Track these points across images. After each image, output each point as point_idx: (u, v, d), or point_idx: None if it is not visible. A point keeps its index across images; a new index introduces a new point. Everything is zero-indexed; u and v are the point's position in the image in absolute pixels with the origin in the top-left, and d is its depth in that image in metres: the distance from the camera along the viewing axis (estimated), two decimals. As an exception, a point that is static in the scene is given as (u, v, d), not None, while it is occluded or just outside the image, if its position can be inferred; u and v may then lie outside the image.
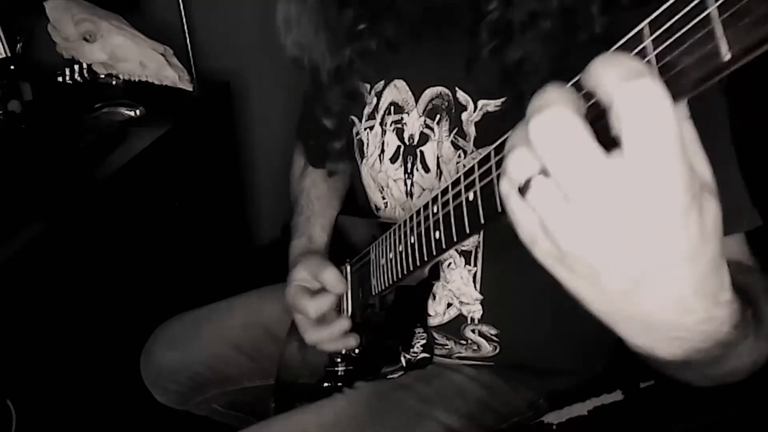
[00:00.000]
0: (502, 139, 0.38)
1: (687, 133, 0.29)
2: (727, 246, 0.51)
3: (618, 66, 0.26)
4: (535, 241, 0.32)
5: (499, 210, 0.39)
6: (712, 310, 0.32)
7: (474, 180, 0.42)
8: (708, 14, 0.25)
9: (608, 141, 0.28)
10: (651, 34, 0.28)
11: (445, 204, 0.48)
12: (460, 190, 0.45)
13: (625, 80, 0.26)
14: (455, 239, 0.48)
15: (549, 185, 0.29)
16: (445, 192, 0.48)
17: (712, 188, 0.29)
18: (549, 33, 0.54)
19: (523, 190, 0.30)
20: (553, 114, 0.28)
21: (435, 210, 0.50)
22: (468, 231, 0.45)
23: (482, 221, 0.42)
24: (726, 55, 0.25)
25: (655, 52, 0.28)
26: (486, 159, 0.40)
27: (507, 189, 0.32)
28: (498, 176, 0.38)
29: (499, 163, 0.38)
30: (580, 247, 0.29)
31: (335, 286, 0.76)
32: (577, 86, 0.31)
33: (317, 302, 0.75)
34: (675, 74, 0.27)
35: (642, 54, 0.28)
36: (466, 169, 0.44)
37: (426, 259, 0.54)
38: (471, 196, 0.43)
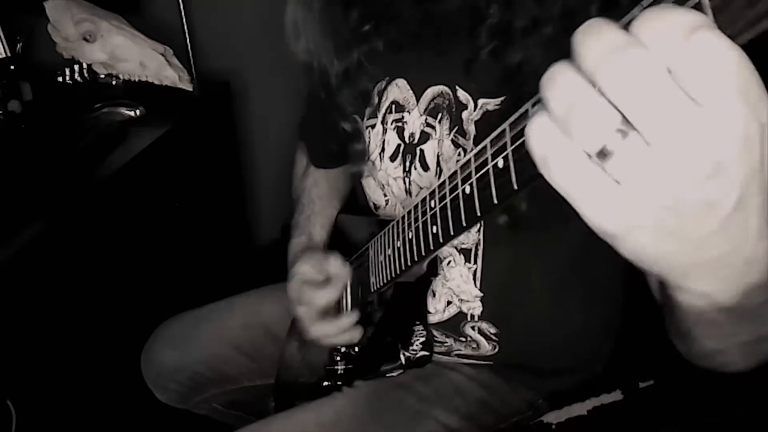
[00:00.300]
0: (498, 131, 0.38)
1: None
2: None
3: (672, 19, 0.24)
4: (613, 214, 0.28)
5: (495, 202, 0.39)
6: None
7: (470, 173, 0.42)
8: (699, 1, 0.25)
9: None
10: None
11: (442, 198, 0.48)
12: (457, 183, 0.45)
13: (682, 37, 0.24)
14: (452, 233, 0.48)
15: (637, 142, 0.26)
16: (442, 186, 0.48)
17: None
18: (550, 38, 0.55)
19: (602, 156, 0.27)
20: (640, 56, 0.25)
21: (432, 205, 0.50)
22: (464, 224, 0.45)
23: (478, 214, 0.42)
24: None
25: None
26: (482, 152, 0.40)
27: (575, 164, 0.27)
28: (494, 167, 0.38)
29: (495, 155, 0.38)
30: (676, 199, 0.27)
31: (342, 273, 0.76)
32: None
33: (325, 292, 0.75)
34: (729, 14, 0.25)
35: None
36: (462, 162, 0.44)
37: (423, 254, 0.54)
38: (467, 189, 0.43)
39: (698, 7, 0.25)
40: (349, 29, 0.69)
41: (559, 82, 0.27)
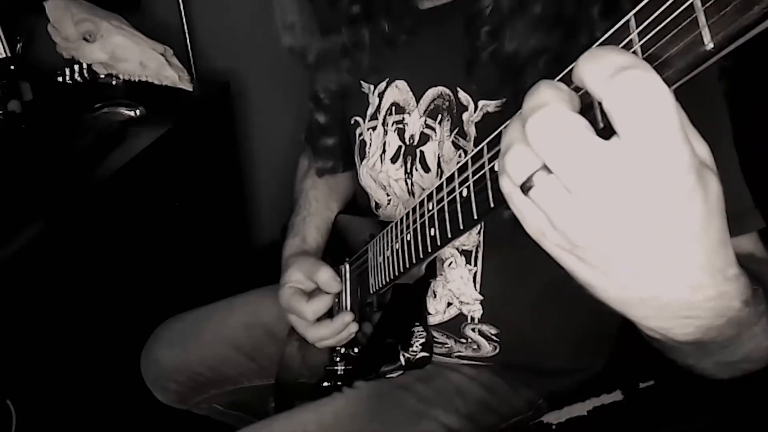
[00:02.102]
0: (495, 134, 0.38)
1: (683, 115, 0.28)
2: (740, 243, 0.51)
3: (602, 61, 0.27)
4: (543, 235, 0.32)
5: (492, 206, 0.39)
6: (721, 285, 0.32)
7: (467, 176, 0.42)
8: (692, 3, 0.26)
9: (606, 125, 0.28)
10: (637, 26, 0.28)
11: (440, 200, 0.48)
12: (454, 186, 0.45)
13: (610, 76, 0.26)
14: (449, 236, 0.47)
15: (552, 181, 0.29)
16: (439, 189, 0.48)
17: (712, 165, 0.29)
18: (540, 20, 0.54)
19: (525, 188, 0.30)
20: (550, 112, 0.28)
21: (430, 207, 0.50)
22: (462, 227, 0.45)
23: (475, 217, 0.42)
24: (709, 44, 0.25)
25: (641, 42, 0.28)
26: (479, 155, 0.40)
27: (509, 188, 0.32)
28: (491, 170, 0.38)
29: (492, 159, 0.38)
30: (589, 238, 0.29)
31: (330, 286, 0.75)
32: (567, 80, 0.31)
33: (314, 304, 0.75)
34: (660, 64, 0.27)
35: (628, 46, 0.29)
36: (460, 165, 0.44)
37: (422, 256, 0.54)
38: (464, 192, 0.43)
39: (690, 10, 0.26)
40: (337, 12, 0.69)
41: (510, 124, 0.32)
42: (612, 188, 0.27)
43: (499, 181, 0.33)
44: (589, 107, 0.30)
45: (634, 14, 0.29)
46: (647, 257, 0.29)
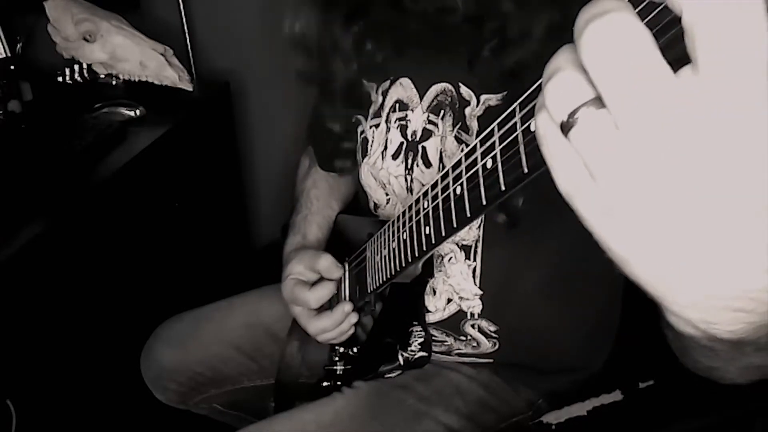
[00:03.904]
0: (487, 131, 0.37)
1: None
2: None
3: None
4: (578, 191, 0.26)
5: (484, 203, 0.39)
6: None
7: (460, 173, 0.42)
8: None
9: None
10: None
11: (434, 198, 0.48)
12: (448, 183, 0.44)
13: None
14: (443, 234, 0.47)
15: (604, 118, 0.23)
16: (434, 186, 0.48)
17: None
18: (551, 32, 0.55)
19: (566, 127, 0.25)
20: (617, 20, 0.22)
21: (425, 205, 0.50)
22: (455, 225, 0.45)
23: (468, 215, 0.42)
24: None
25: None
26: (472, 151, 0.40)
27: (545, 126, 0.26)
28: (483, 167, 0.38)
29: (484, 154, 0.38)
30: (641, 196, 0.24)
31: (331, 272, 0.76)
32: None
33: (316, 291, 0.75)
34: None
35: None
36: (453, 162, 0.43)
37: (417, 254, 0.54)
38: (458, 190, 0.43)
39: None
40: (349, 44, 0.70)
41: (559, 51, 0.26)
42: (680, 130, 0.22)
43: (536, 119, 0.27)
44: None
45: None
46: (712, 224, 0.23)
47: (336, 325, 0.75)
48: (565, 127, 0.25)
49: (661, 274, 0.26)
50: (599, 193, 0.25)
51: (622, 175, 0.24)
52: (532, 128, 0.32)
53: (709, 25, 0.21)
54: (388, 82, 0.72)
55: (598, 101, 0.24)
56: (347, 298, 0.77)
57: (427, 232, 0.50)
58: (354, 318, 0.75)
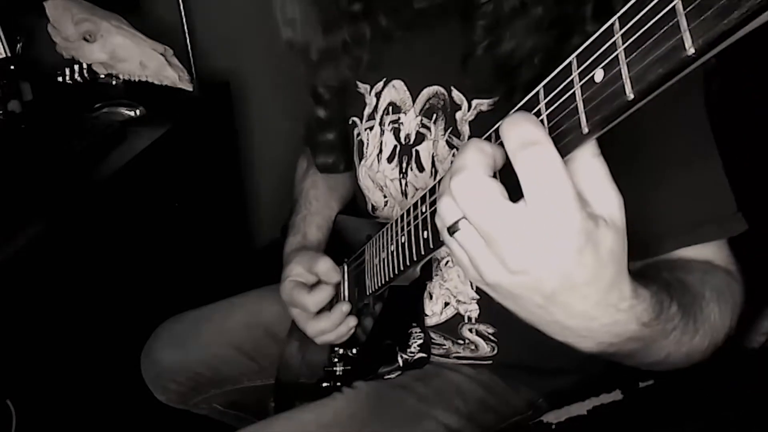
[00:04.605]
0: (488, 134, 0.38)
1: (594, 170, 0.35)
2: (702, 251, 0.55)
3: (517, 130, 0.33)
4: (466, 268, 0.39)
5: None
6: (614, 315, 0.39)
7: None
8: (674, 6, 0.26)
9: None
10: (621, 28, 0.29)
11: (432, 203, 0.48)
12: None
13: (521, 147, 0.33)
14: (441, 238, 0.48)
15: (470, 229, 0.36)
16: (432, 191, 0.48)
17: (615, 217, 0.35)
18: (540, 22, 0.54)
19: (451, 231, 0.37)
20: (469, 176, 0.35)
21: (423, 209, 0.50)
22: None
23: None
24: (690, 49, 0.25)
25: (624, 46, 0.29)
26: None
27: (441, 227, 0.39)
28: None
29: None
30: (499, 278, 0.36)
31: (330, 276, 0.76)
32: (497, 134, 0.36)
33: (315, 295, 0.75)
34: (642, 69, 0.28)
35: (611, 49, 0.30)
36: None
37: (415, 258, 0.54)
38: None
39: (672, 13, 0.26)
40: (338, 8, 0.69)
41: (445, 176, 0.40)
42: (517, 243, 0.34)
43: (435, 218, 0.41)
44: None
45: (618, 18, 0.29)
46: (548, 294, 0.36)
47: (334, 327, 0.75)
48: (451, 230, 0.38)
49: (527, 319, 0.41)
50: (476, 273, 0.38)
51: (487, 265, 0.37)
52: None
53: (520, 167, 0.33)
54: (381, 84, 0.72)
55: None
56: (346, 299, 0.77)
57: (426, 236, 0.50)
58: (353, 321, 0.75)
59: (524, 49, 0.55)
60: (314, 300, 0.75)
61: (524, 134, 0.33)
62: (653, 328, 0.42)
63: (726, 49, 0.26)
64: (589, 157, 0.35)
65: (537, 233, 0.33)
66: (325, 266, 0.76)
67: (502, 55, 0.57)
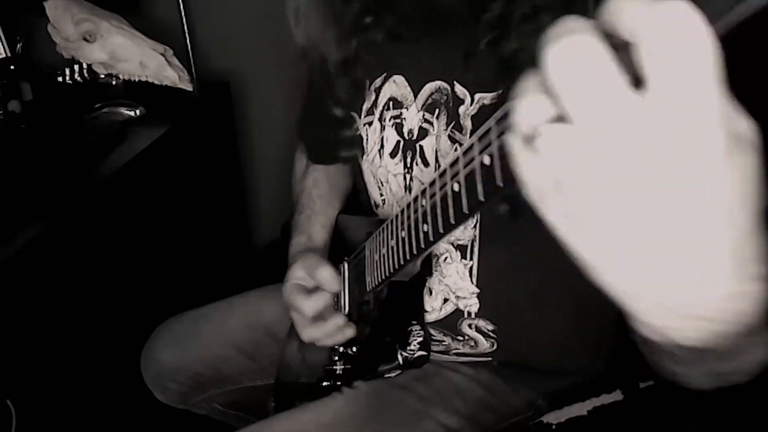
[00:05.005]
0: (485, 128, 0.37)
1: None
2: None
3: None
4: (545, 198, 0.27)
5: (482, 199, 0.39)
6: (745, 283, 0.27)
7: (458, 170, 0.42)
8: None
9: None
10: None
11: (432, 196, 0.48)
12: (446, 181, 0.45)
13: (651, 18, 0.22)
14: (441, 231, 0.47)
15: (567, 131, 0.25)
16: (432, 184, 0.48)
17: (752, 141, 0.25)
18: (548, 24, 0.54)
19: (532, 139, 0.26)
20: (577, 40, 0.24)
21: (423, 203, 0.50)
22: (453, 222, 0.45)
23: (466, 211, 0.42)
24: None
25: None
26: (469, 148, 0.40)
27: (512, 141, 0.28)
28: (480, 164, 0.38)
29: (481, 151, 0.38)
30: (599, 204, 0.25)
31: (330, 285, 0.76)
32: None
33: (312, 301, 0.76)
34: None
35: None
36: (452, 160, 0.44)
37: (415, 252, 0.54)
38: (456, 187, 0.43)
39: None
40: (350, 19, 0.69)
41: (525, 78, 0.28)
42: (638, 143, 0.23)
43: (506, 136, 0.29)
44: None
45: None
46: (667, 234, 0.25)
47: (326, 336, 0.76)
48: (531, 140, 0.26)
49: (624, 280, 0.28)
50: (564, 202, 0.26)
51: (585, 184, 0.25)
52: None
53: (650, 46, 0.23)
54: (380, 79, 0.72)
55: (562, 117, 0.25)
56: (347, 297, 0.77)
57: (426, 229, 0.50)
58: (349, 332, 0.75)
59: (528, 50, 0.55)
60: (311, 305, 0.76)
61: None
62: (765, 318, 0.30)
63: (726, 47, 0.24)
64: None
65: (671, 129, 0.23)
66: (326, 274, 0.76)
67: (506, 54, 0.57)
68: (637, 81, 0.24)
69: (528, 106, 0.26)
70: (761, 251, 0.27)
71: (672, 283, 0.26)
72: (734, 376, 0.38)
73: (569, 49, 0.24)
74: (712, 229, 0.24)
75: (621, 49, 0.24)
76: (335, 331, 0.75)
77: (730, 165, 0.23)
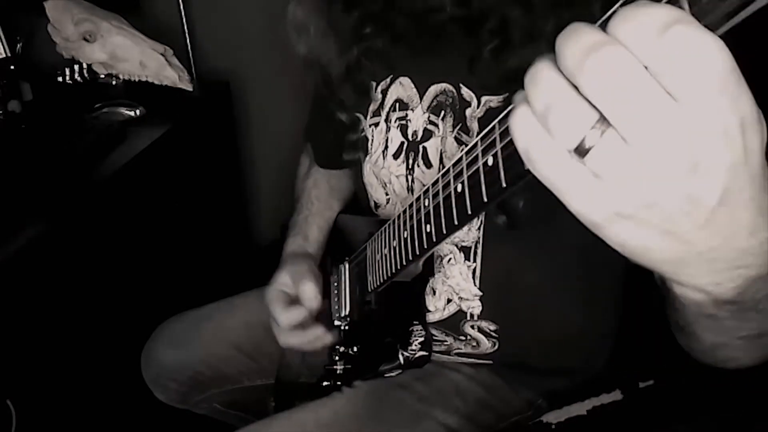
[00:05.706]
0: (488, 129, 0.37)
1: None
2: None
3: (643, 17, 0.25)
4: (594, 204, 0.29)
5: (485, 200, 0.39)
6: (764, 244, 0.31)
7: (461, 171, 0.42)
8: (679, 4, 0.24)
9: None
10: None
11: (435, 196, 0.48)
12: (449, 181, 0.44)
13: (656, 34, 0.24)
14: (444, 232, 0.47)
15: (614, 138, 0.26)
16: (435, 185, 0.48)
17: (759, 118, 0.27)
18: (553, 35, 0.54)
19: (580, 152, 0.27)
20: (617, 53, 0.25)
21: (426, 203, 0.50)
22: (456, 223, 0.45)
23: (469, 212, 0.42)
24: None
25: None
26: (473, 149, 0.40)
27: (557, 156, 0.28)
28: (484, 165, 0.38)
29: (485, 152, 0.38)
30: (656, 195, 0.27)
31: (310, 302, 0.77)
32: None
33: (290, 313, 0.77)
34: (704, 6, 0.25)
35: None
36: (455, 160, 0.44)
37: (418, 252, 0.54)
38: (459, 187, 0.43)
39: (675, 2, 0.25)
40: (350, 29, 0.70)
41: (539, 80, 0.28)
42: (681, 142, 0.26)
43: (536, 152, 0.29)
44: None
45: None
46: (714, 202, 0.28)
47: (304, 345, 0.78)
48: (580, 151, 0.27)
49: (675, 254, 0.31)
50: (616, 201, 0.28)
51: (642, 180, 0.27)
52: None
53: (672, 70, 0.25)
54: (387, 81, 0.72)
55: (600, 123, 0.27)
56: (348, 297, 0.77)
57: (428, 230, 0.50)
58: (328, 340, 0.78)
59: (532, 58, 0.55)
60: (287, 318, 0.77)
61: (660, 16, 0.25)
62: None
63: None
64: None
65: (701, 123, 0.25)
66: (308, 290, 0.77)
67: (511, 62, 0.57)
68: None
69: (571, 115, 0.27)
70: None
71: (722, 240, 0.30)
72: None
73: (610, 65, 0.25)
74: (747, 191, 0.28)
75: None
76: (313, 341, 0.77)
77: (745, 146, 0.26)
